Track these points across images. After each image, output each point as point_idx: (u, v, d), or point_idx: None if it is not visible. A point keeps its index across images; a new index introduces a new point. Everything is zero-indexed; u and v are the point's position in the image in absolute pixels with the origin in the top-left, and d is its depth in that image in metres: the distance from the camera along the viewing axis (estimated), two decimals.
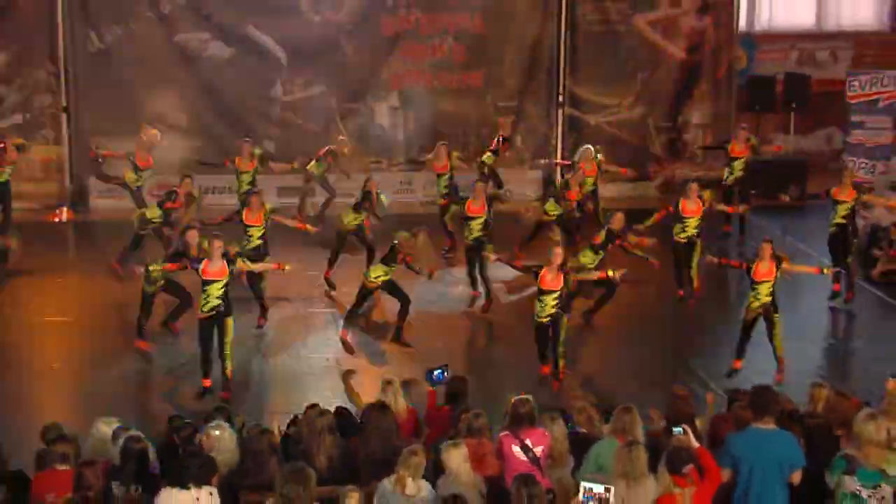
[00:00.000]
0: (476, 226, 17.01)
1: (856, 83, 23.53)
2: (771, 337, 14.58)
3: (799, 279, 16.82)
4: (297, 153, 21.64)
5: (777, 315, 14.42)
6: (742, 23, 24.65)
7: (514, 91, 23.73)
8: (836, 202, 17.12)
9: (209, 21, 22.64)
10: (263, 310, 16.34)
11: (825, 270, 15.82)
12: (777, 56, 25.20)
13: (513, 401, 9.93)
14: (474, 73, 23.58)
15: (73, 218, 20.30)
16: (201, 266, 13.93)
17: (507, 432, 9.66)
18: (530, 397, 9.95)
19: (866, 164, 23.29)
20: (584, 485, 8.43)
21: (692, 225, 17.03)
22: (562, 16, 23.45)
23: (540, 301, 14.29)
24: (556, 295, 14.20)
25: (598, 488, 8.36)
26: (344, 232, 17.55)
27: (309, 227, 17.14)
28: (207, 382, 14.03)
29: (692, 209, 17.01)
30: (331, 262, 17.70)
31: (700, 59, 24.06)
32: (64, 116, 22.45)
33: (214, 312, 13.95)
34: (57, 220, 19.47)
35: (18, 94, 22.30)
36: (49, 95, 22.39)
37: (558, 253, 14.23)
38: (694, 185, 17.26)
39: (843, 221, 17.12)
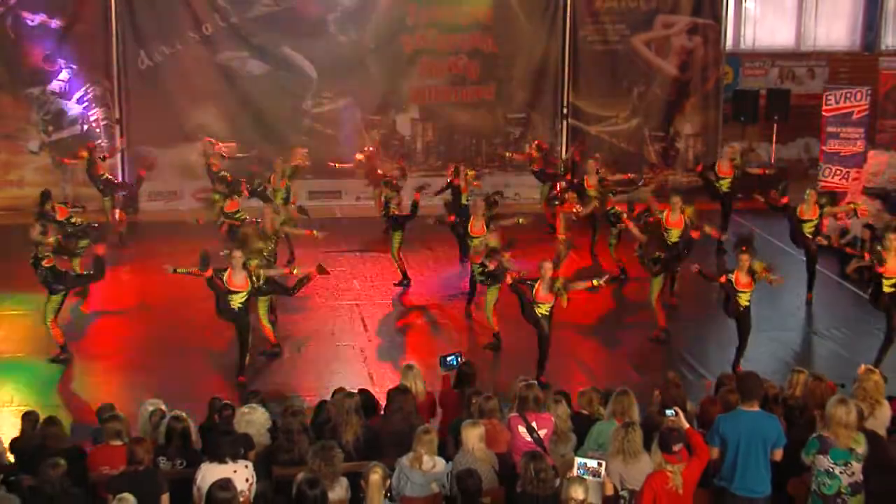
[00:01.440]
0: (477, 244, 15.97)
1: (831, 98, 23.46)
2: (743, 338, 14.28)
3: (787, 278, 16.82)
4: (326, 160, 21.71)
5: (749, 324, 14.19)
6: (728, 42, 24.66)
7: (523, 104, 23.74)
8: (802, 221, 16.82)
9: (247, 41, 22.66)
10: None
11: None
12: (760, 73, 25.26)
13: (519, 385, 9.93)
14: (486, 87, 23.58)
15: (125, 219, 20.33)
16: (225, 277, 13.68)
17: (515, 414, 9.66)
18: (535, 382, 9.95)
19: (841, 171, 23.24)
20: (578, 460, 8.45)
21: (674, 235, 16.25)
22: (565, 36, 23.49)
23: (537, 305, 13.85)
24: (548, 306, 13.81)
25: (592, 463, 8.39)
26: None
27: (315, 232, 16.72)
28: (242, 378, 13.90)
29: (675, 221, 16.18)
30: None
31: (690, 75, 24.06)
32: (117, 127, 22.53)
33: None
34: (111, 221, 19.51)
35: (77, 108, 22.38)
36: (104, 108, 22.45)
37: (549, 268, 13.72)
38: (677, 199, 16.91)
39: (808, 237, 16.92)
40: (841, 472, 8.61)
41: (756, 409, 8.92)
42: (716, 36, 23.99)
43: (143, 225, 21.45)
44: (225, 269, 13.78)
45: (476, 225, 16.27)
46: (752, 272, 13.87)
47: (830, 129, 23.45)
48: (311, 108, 23.12)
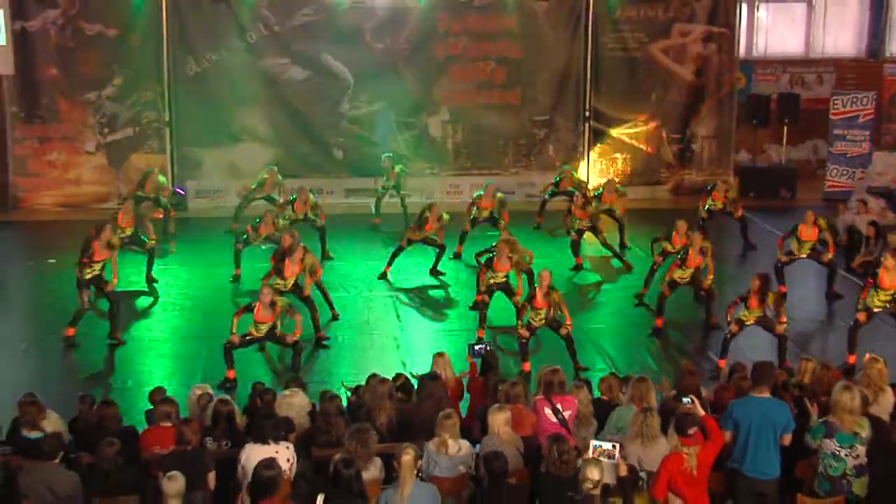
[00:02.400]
0: (500, 277, 15.14)
1: (839, 102, 23.39)
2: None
3: (792, 272, 16.72)
4: (361, 160, 22.08)
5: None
6: (742, 50, 24.57)
7: (547, 107, 23.69)
8: (801, 241, 16.52)
9: (289, 48, 22.73)
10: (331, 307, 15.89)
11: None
12: (771, 78, 25.22)
13: (544, 371, 9.92)
14: (513, 91, 23.56)
15: (174, 215, 20.42)
16: (254, 310, 13.41)
17: (541, 397, 9.67)
18: (559, 367, 9.94)
19: (847, 171, 23.15)
20: (593, 442, 8.45)
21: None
22: (587, 43, 23.44)
23: (535, 312, 13.65)
24: (542, 314, 13.61)
25: (606, 445, 8.38)
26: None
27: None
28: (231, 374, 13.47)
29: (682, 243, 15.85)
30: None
31: (706, 81, 23.95)
32: (167, 130, 22.67)
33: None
34: (161, 217, 19.59)
35: (130, 111, 22.50)
36: (154, 112, 22.58)
37: (545, 276, 13.54)
38: (682, 223, 16.50)
39: (804, 257, 16.65)
40: (846, 455, 8.60)
41: (767, 395, 8.88)
42: (730, 44, 23.85)
43: (190, 221, 21.53)
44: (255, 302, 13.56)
45: (501, 264, 15.18)
46: (764, 296, 13.60)
47: (837, 131, 23.37)
48: (347, 111, 23.17)
